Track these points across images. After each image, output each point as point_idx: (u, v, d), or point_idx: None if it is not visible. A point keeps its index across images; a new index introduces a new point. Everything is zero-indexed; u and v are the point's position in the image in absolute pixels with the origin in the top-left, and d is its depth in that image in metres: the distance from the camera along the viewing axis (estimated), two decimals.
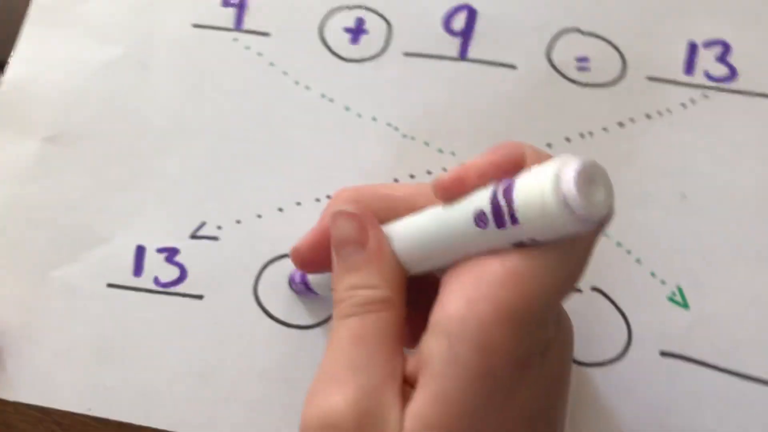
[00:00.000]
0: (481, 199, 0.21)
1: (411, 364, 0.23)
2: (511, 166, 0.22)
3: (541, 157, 0.22)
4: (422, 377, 0.22)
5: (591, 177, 0.20)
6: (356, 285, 0.24)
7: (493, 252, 0.21)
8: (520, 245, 0.21)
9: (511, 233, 0.21)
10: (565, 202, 0.19)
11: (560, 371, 0.24)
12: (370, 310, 0.24)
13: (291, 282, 0.32)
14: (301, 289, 0.32)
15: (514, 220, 0.20)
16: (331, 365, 0.24)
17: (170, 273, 0.32)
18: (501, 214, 0.20)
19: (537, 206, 0.20)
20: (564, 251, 0.21)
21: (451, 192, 0.23)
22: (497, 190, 0.21)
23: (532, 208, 0.20)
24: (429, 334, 0.22)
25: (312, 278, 0.30)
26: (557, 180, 0.19)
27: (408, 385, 0.23)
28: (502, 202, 0.20)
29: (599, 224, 0.20)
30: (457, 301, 0.21)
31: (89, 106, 0.35)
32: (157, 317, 0.32)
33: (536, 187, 0.20)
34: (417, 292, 0.25)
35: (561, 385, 0.25)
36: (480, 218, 0.21)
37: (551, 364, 0.23)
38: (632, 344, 0.31)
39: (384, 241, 0.25)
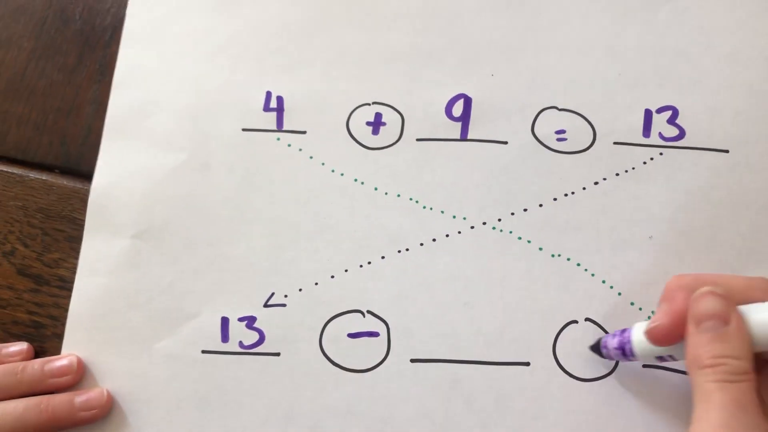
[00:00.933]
0: None
1: None
2: None
3: None
4: None
5: None
6: (726, 354, 0.29)
7: None
8: None
9: None
10: None
11: None
12: (743, 379, 0.29)
13: (603, 347, 0.37)
14: (616, 354, 0.37)
15: None
16: (724, 423, 0.28)
17: (251, 337, 0.40)
18: None
19: None
20: None
21: None
22: None
23: None
24: None
25: (637, 345, 0.35)
26: None
27: None
28: None
29: None
30: None
31: (166, 205, 0.42)
32: (245, 373, 0.39)
33: None
34: None
35: None
36: None
37: None
38: (620, 361, 0.39)
39: (742, 319, 0.31)
